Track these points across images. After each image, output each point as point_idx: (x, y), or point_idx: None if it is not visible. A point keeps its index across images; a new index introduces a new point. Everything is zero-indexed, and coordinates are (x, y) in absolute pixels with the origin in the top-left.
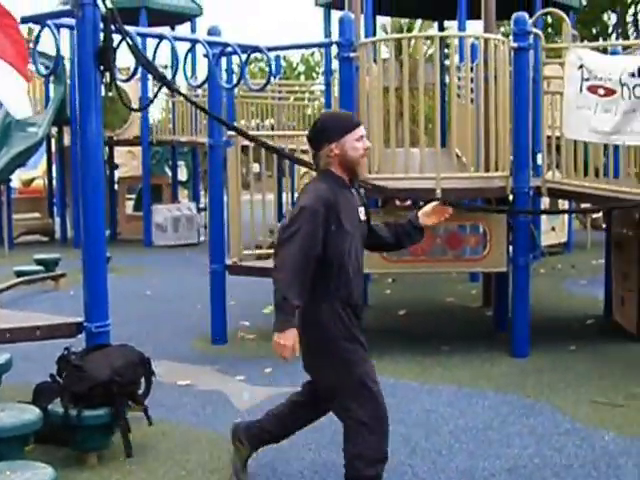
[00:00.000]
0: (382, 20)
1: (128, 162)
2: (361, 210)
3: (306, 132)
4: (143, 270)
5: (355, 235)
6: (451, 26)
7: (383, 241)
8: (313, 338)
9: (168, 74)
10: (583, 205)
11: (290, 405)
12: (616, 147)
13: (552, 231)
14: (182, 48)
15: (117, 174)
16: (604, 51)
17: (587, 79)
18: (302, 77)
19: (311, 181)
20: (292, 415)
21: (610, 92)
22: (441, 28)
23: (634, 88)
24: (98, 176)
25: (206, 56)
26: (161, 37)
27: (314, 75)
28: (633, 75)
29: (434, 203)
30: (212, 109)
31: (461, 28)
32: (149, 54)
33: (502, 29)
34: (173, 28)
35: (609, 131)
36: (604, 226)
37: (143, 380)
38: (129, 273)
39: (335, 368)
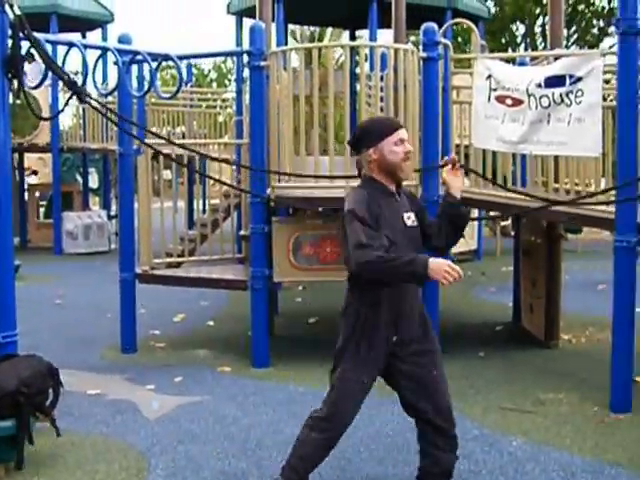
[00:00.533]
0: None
1: (40, 169)
2: (408, 216)
3: (218, 140)
4: (53, 278)
5: (398, 243)
6: (362, 35)
7: (436, 241)
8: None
9: (79, 81)
10: (492, 213)
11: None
12: (523, 156)
13: (462, 238)
14: (93, 55)
15: (33, 181)
16: (512, 61)
17: (495, 89)
18: (214, 84)
19: (352, 188)
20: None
21: (517, 102)
22: (352, 37)
23: (541, 98)
24: (6, 183)
25: (116, 64)
26: (70, 44)
27: (226, 82)
28: (540, 86)
29: (444, 171)
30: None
31: (372, 37)
32: (59, 61)
33: (412, 38)
34: (84, 34)
35: (516, 140)
36: (513, 233)
37: (51, 390)
38: (39, 281)
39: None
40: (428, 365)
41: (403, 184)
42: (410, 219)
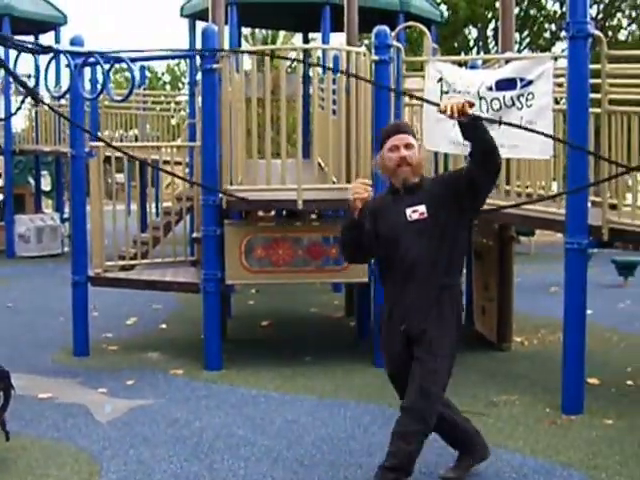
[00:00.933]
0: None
1: None
2: (413, 209)
3: (170, 143)
4: (5, 282)
5: (401, 236)
6: (315, 38)
7: (475, 172)
8: None
9: (32, 84)
10: None
11: None
12: None
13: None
14: (46, 57)
15: None
16: (464, 65)
17: (446, 92)
18: (168, 87)
19: None
20: None
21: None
22: (306, 40)
23: (492, 101)
24: None
25: (68, 66)
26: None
27: (180, 85)
28: (491, 89)
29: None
30: (74, 119)
31: (325, 40)
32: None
33: (366, 42)
34: (37, 37)
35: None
36: None
37: (2, 394)
38: None
39: None
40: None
41: (426, 178)
42: (416, 212)
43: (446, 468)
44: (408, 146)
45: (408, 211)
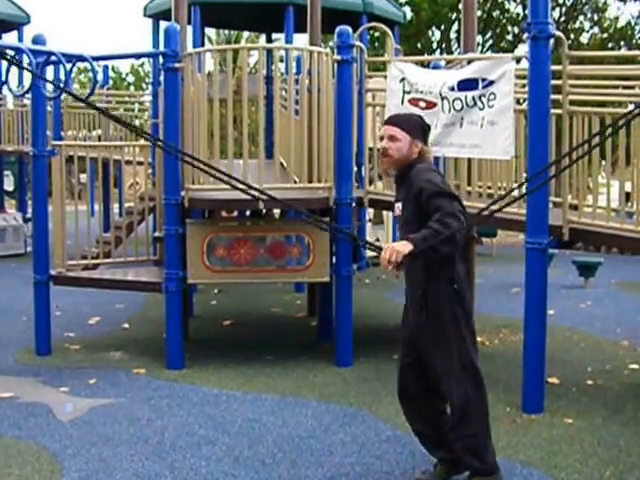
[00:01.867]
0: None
1: None
2: (397, 205)
3: (133, 142)
4: None
5: (401, 229)
6: (279, 38)
7: None
8: None
9: None
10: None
11: None
12: (436, 159)
13: (377, 242)
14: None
15: None
16: (426, 65)
17: (408, 92)
18: (132, 88)
19: None
20: None
21: (431, 105)
22: (269, 40)
23: (454, 101)
24: None
25: (30, 65)
26: None
27: (144, 86)
28: (453, 89)
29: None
30: (36, 118)
31: (288, 41)
32: None
33: (331, 43)
34: (0, 36)
35: (429, 143)
36: None
37: None
38: None
39: None
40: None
41: (413, 171)
42: (398, 208)
43: None
44: (391, 138)
45: (396, 205)
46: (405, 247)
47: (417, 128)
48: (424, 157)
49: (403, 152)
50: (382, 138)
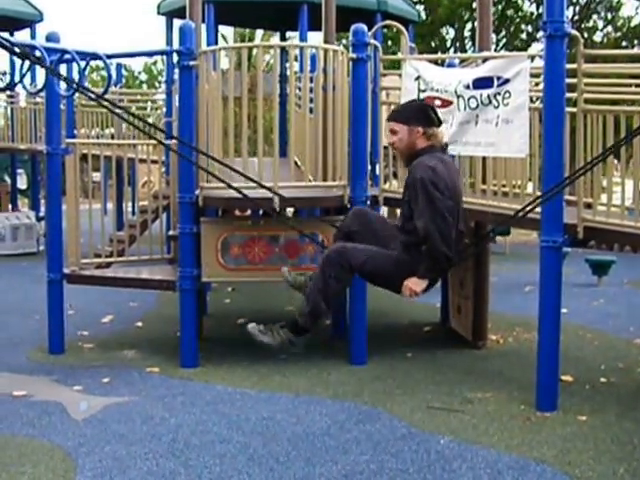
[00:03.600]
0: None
1: None
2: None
3: (147, 141)
4: None
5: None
6: (293, 37)
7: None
8: None
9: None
10: None
11: None
12: (452, 157)
13: None
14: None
15: None
16: (441, 63)
17: (424, 90)
18: (144, 86)
19: None
20: None
21: (446, 103)
22: (283, 39)
23: (469, 100)
24: None
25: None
26: None
27: (156, 84)
28: (468, 87)
29: None
30: (50, 116)
31: (302, 39)
32: None
33: (344, 41)
34: (12, 33)
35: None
36: None
37: None
38: None
39: None
40: None
41: (414, 162)
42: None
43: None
44: (392, 132)
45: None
46: (420, 285)
47: (413, 114)
48: (434, 145)
49: (405, 141)
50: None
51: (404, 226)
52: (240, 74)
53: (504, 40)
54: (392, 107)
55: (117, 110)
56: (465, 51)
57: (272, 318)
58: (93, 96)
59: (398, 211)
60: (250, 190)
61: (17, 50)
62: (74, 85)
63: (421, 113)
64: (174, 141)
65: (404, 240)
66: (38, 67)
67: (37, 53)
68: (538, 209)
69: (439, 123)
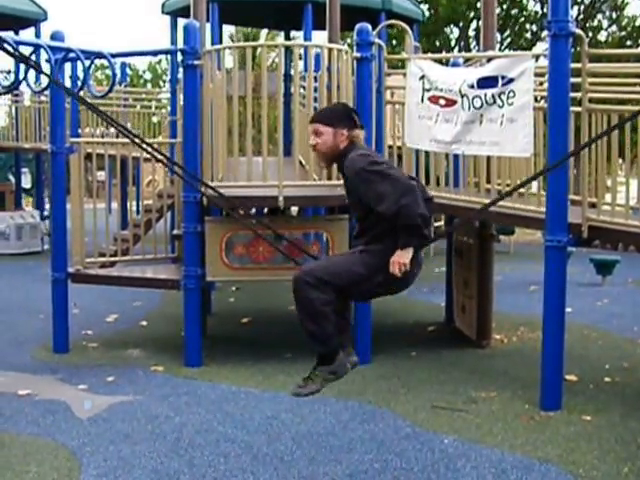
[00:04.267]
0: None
1: None
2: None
3: (151, 140)
4: None
5: (355, 213)
6: (297, 36)
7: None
8: None
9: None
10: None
11: None
12: (456, 157)
13: None
14: (26, 53)
15: None
16: (445, 63)
17: (428, 89)
18: (149, 85)
19: None
20: None
21: (451, 103)
22: (287, 38)
23: (473, 99)
24: None
25: (48, 61)
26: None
27: (161, 83)
28: (472, 86)
29: None
30: (55, 115)
31: (307, 38)
32: None
33: (348, 40)
34: (17, 32)
35: (449, 141)
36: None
37: None
38: None
39: None
40: None
41: (347, 160)
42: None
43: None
44: (315, 133)
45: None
46: (406, 257)
47: (339, 117)
48: (355, 142)
49: (329, 143)
50: (310, 135)
51: (363, 225)
52: (244, 73)
53: (509, 39)
54: (396, 107)
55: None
56: (469, 50)
57: (276, 317)
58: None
59: None
60: (254, 190)
61: (17, 54)
62: (69, 93)
63: (346, 116)
64: (179, 139)
65: (370, 236)
66: (44, 67)
67: (42, 52)
68: (543, 209)
69: (361, 126)
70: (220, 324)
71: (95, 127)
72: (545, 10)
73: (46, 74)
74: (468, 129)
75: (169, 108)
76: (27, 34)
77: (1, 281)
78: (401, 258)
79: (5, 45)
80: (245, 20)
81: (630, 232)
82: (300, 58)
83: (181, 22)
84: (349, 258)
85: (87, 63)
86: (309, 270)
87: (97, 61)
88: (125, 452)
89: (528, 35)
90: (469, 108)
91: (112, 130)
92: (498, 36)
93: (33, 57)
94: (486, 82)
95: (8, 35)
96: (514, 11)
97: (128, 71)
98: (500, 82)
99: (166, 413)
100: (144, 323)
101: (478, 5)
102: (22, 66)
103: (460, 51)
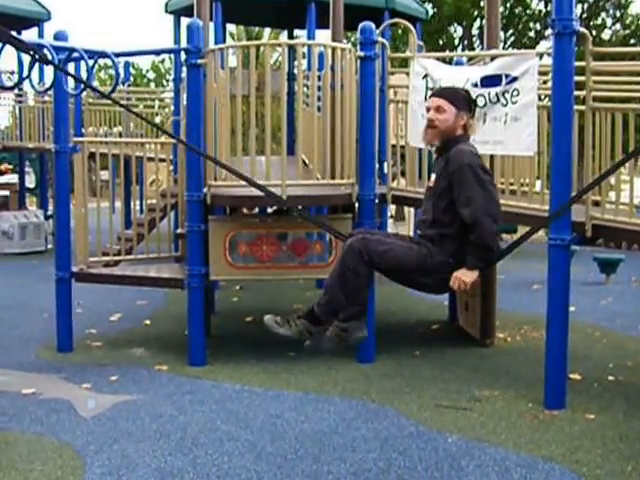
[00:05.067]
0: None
1: None
2: (435, 176)
3: (155, 139)
4: None
5: (426, 198)
6: (301, 35)
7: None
8: None
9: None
10: None
11: None
12: None
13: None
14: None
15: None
16: (449, 61)
17: (432, 88)
18: (152, 84)
19: None
20: None
21: None
22: (291, 37)
23: (477, 98)
24: None
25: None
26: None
27: (164, 83)
28: (476, 85)
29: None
30: (58, 115)
31: (310, 37)
32: None
33: (352, 39)
34: (20, 32)
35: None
36: None
37: None
38: None
39: None
40: None
41: (455, 149)
42: (431, 180)
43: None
44: (438, 109)
45: (432, 175)
46: (470, 277)
47: (464, 101)
48: (468, 133)
49: (449, 123)
50: (429, 109)
51: (436, 219)
52: (248, 72)
53: (512, 38)
54: (399, 106)
55: (125, 108)
56: (473, 49)
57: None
58: (100, 94)
59: (407, 211)
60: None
61: (27, 47)
62: (81, 81)
63: (469, 103)
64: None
65: (434, 233)
66: (46, 66)
67: (45, 52)
68: (546, 207)
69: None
70: (224, 323)
71: (99, 126)
72: (549, 8)
73: (57, 66)
74: None
75: (172, 107)
76: (30, 34)
77: (5, 280)
78: (466, 277)
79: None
80: (248, 19)
81: (634, 231)
82: (303, 57)
83: (184, 21)
84: (408, 252)
85: (90, 63)
86: (366, 244)
87: (100, 61)
88: (129, 451)
89: (532, 34)
90: None
91: (115, 130)
92: (502, 35)
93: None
94: (490, 81)
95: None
96: (518, 9)
97: (132, 70)
98: (504, 81)
99: (170, 412)
100: (148, 322)
101: (482, 4)
102: (25, 65)
103: (464, 50)
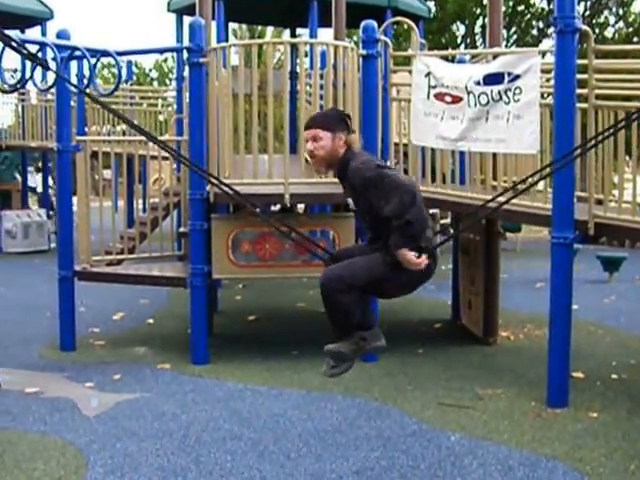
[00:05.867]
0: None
1: None
2: (349, 201)
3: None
4: None
5: (363, 222)
6: (303, 33)
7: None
8: None
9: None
10: (431, 211)
11: None
12: (462, 154)
13: None
14: (31, 51)
15: None
16: (451, 59)
17: (434, 86)
18: (155, 83)
19: None
20: None
21: (457, 99)
22: (293, 35)
23: (479, 96)
24: None
25: (54, 59)
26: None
27: (167, 82)
28: (478, 83)
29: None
30: (61, 114)
31: (313, 35)
32: None
33: (354, 38)
34: (23, 31)
35: (455, 138)
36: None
37: None
38: None
39: None
40: None
41: (350, 168)
42: (351, 204)
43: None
44: (314, 139)
45: (349, 200)
46: (408, 255)
47: (335, 121)
48: (352, 148)
49: (328, 148)
50: (307, 141)
51: (376, 231)
52: (250, 71)
53: (515, 36)
54: (402, 104)
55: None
56: (476, 47)
57: (283, 315)
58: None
59: None
60: (260, 187)
61: (24, 51)
62: (78, 89)
63: (342, 121)
64: (185, 137)
65: (386, 239)
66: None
67: (48, 50)
68: (549, 205)
69: (354, 131)
70: (227, 322)
71: (102, 125)
72: (551, 6)
73: (52, 69)
74: (474, 126)
75: (175, 106)
76: (33, 33)
77: (8, 279)
78: (411, 262)
79: (11, 42)
80: (251, 18)
81: (637, 229)
82: (306, 55)
83: (187, 20)
84: (370, 260)
85: (93, 61)
86: (335, 276)
87: (103, 59)
88: (132, 449)
89: (534, 32)
90: (475, 105)
91: (118, 128)
92: (504, 33)
93: (39, 55)
94: (492, 79)
95: (14, 33)
96: (520, 8)
97: (134, 69)
98: (506, 79)
99: (173, 410)
100: (151, 321)
101: (484, 2)
102: (28, 64)
103: (466, 48)
